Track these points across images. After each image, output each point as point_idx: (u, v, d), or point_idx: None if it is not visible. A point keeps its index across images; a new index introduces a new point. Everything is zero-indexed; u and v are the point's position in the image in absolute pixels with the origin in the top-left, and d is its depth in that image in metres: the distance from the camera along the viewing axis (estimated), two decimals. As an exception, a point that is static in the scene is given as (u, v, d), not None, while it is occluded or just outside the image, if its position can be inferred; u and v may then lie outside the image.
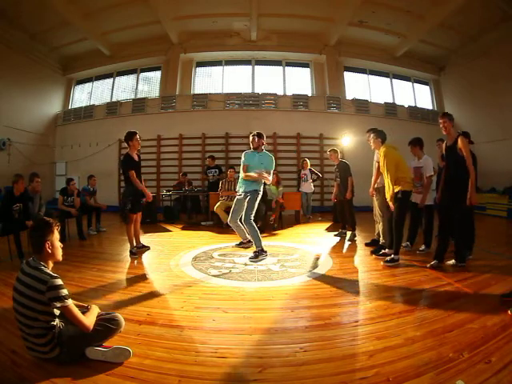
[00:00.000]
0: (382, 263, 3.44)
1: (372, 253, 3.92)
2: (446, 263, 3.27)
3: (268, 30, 9.13)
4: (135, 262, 3.75)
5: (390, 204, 3.46)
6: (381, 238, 4.05)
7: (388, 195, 3.49)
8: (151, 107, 9.35)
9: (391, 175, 3.40)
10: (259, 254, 3.69)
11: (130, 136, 3.94)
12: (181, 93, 9.49)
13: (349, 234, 4.92)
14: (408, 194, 3.52)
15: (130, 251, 3.94)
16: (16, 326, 1.63)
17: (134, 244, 4.01)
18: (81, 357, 1.62)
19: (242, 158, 3.85)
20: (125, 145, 9.35)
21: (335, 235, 5.13)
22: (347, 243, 4.66)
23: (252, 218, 3.78)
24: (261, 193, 3.87)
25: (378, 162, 4.09)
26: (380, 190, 3.98)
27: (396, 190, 3.43)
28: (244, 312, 2.27)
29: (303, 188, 6.99)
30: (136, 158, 4.03)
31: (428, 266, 3.23)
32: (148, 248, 4.20)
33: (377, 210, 4.13)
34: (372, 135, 3.76)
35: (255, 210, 3.82)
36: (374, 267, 3.41)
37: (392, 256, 3.47)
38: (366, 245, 4.40)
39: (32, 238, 1.70)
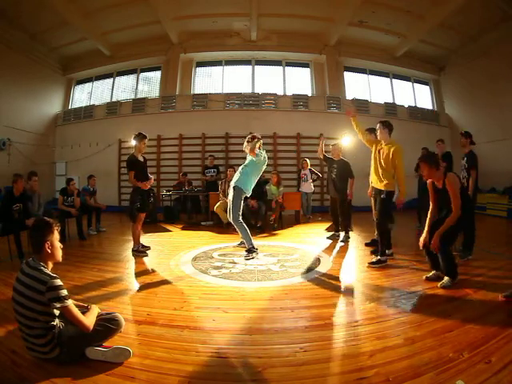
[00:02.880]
0: (367, 264, 3.41)
1: (372, 253, 3.91)
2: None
3: (268, 29, 9.13)
4: (145, 259, 3.82)
5: (401, 199, 3.41)
6: None
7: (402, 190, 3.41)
8: (151, 107, 9.34)
9: (401, 173, 3.35)
10: (251, 251, 3.77)
11: (140, 138, 4.02)
12: (181, 93, 9.49)
13: (342, 235, 4.80)
14: (392, 194, 3.47)
15: (136, 250, 3.98)
16: (16, 326, 1.63)
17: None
18: (81, 357, 1.62)
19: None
20: (125, 145, 9.39)
21: (328, 238, 4.95)
22: (349, 244, 4.59)
23: (239, 216, 3.82)
24: (245, 191, 3.85)
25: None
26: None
27: (384, 189, 3.42)
28: (244, 312, 2.27)
29: (303, 188, 6.98)
30: (141, 159, 4.13)
31: (424, 278, 2.91)
32: (148, 248, 4.20)
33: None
34: (379, 125, 3.59)
35: (241, 208, 3.87)
36: (374, 267, 3.40)
37: (378, 257, 3.44)
38: (366, 245, 4.38)
39: (32, 238, 1.70)
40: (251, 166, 3.89)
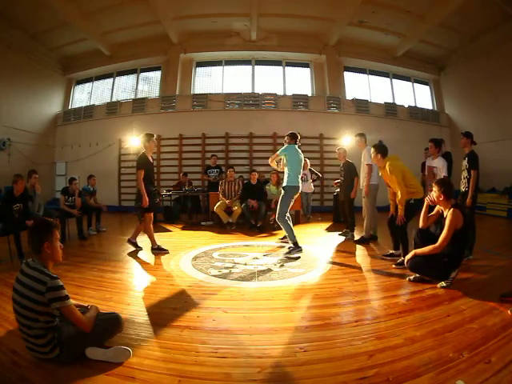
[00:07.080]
0: (393, 266, 3.36)
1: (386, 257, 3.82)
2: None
3: (268, 29, 9.13)
4: (145, 259, 3.83)
5: (400, 213, 3.35)
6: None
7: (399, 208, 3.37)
8: (151, 107, 9.34)
9: (402, 190, 3.31)
10: (293, 249, 3.80)
11: (149, 137, 4.06)
12: (181, 93, 9.49)
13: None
14: (420, 202, 3.34)
15: (155, 248, 4.05)
16: (16, 326, 1.63)
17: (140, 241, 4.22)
18: (81, 357, 1.62)
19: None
20: (124, 145, 9.38)
21: (340, 234, 5.11)
22: (347, 243, 4.66)
23: (286, 215, 3.85)
24: (297, 189, 3.94)
25: (367, 164, 4.43)
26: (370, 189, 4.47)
27: (408, 199, 3.37)
28: (244, 312, 2.27)
29: (303, 188, 6.93)
30: (151, 159, 4.15)
31: (407, 279, 2.93)
32: (140, 248, 4.23)
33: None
34: (372, 150, 3.67)
35: (289, 206, 3.91)
36: (374, 267, 3.40)
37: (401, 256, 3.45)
38: (356, 242, 4.58)
39: (31, 239, 1.69)
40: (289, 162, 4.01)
